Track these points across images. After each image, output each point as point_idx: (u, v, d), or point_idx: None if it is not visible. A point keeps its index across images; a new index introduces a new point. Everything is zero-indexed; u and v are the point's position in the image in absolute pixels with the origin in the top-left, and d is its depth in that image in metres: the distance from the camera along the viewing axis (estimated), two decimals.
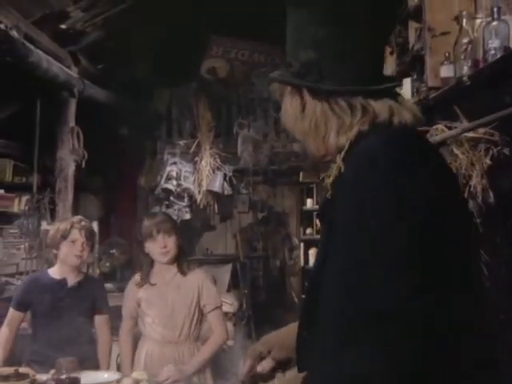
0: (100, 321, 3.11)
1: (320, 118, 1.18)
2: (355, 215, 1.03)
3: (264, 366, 1.39)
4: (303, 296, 1.34)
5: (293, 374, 1.26)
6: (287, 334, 1.35)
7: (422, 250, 0.97)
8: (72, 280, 3.05)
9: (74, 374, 2.07)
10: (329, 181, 1.19)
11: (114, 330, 3.20)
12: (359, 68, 1.18)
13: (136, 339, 3.05)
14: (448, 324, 0.94)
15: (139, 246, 3.13)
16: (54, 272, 3.09)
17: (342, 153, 1.16)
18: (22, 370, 2.20)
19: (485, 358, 1.03)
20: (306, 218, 6.62)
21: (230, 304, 5.32)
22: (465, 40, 2.20)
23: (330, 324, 1.05)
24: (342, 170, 1.14)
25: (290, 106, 1.23)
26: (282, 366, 1.41)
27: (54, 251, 3.08)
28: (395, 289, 0.94)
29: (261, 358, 1.41)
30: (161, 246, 2.91)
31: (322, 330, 1.08)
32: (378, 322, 0.95)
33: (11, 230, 5.39)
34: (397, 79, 1.18)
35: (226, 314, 5.08)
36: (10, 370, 2.19)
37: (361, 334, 0.96)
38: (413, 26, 2.82)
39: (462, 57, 2.20)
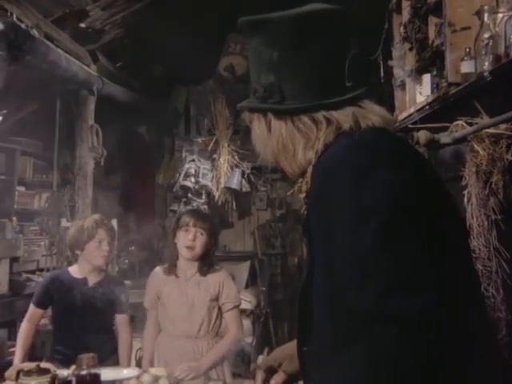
0: (121, 320, 3.12)
1: (286, 136, 1.23)
2: (322, 226, 1.08)
3: (277, 380, 1.43)
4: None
5: None
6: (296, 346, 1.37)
7: (393, 249, 0.97)
8: (93, 279, 3.05)
9: (94, 370, 2.08)
10: (302, 195, 1.23)
11: (134, 327, 3.22)
12: (317, 84, 1.21)
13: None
14: (435, 320, 0.93)
15: (170, 235, 3.13)
16: (75, 271, 3.07)
17: (311, 167, 1.20)
18: (44, 365, 2.22)
19: (471, 356, 1.02)
20: None
21: (248, 301, 5.32)
22: (486, 35, 2.17)
23: (323, 333, 1.11)
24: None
25: (258, 129, 1.29)
26: (292, 378, 1.44)
27: (78, 252, 3.04)
28: (367, 290, 0.96)
29: (272, 371, 1.44)
30: (190, 239, 2.92)
31: (319, 340, 1.14)
32: (359, 323, 0.97)
33: (32, 227, 5.46)
34: (362, 86, 1.21)
35: (244, 311, 5.09)
36: (31, 365, 2.21)
37: (350, 336, 1.00)
38: (433, 21, 2.79)
39: (483, 52, 2.17)
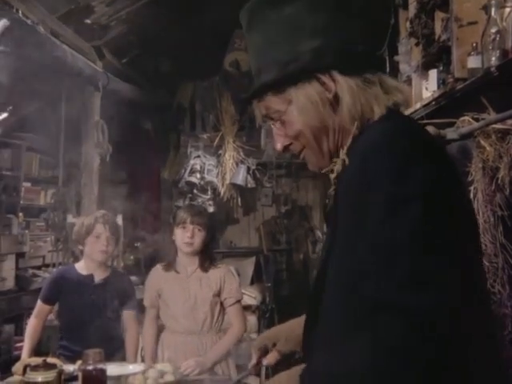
0: (127, 316, 3.13)
1: (357, 92, 1.15)
2: (352, 212, 1.04)
3: (269, 359, 1.41)
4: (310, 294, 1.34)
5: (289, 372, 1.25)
6: (292, 327, 1.37)
7: (420, 241, 0.96)
8: (99, 276, 3.07)
9: (100, 366, 2.08)
10: (333, 175, 1.18)
11: (140, 322, 3.22)
12: (368, 47, 1.20)
13: (159, 331, 3.08)
14: (446, 313, 0.93)
15: (168, 231, 3.14)
16: (81, 267, 3.10)
17: (345, 148, 1.16)
18: (50, 360, 2.22)
19: (484, 355, 1.01)
20: None
21: (253, 297, 5.33)
22: (493, 30, 2.15)
23: (332, 319, 1.09)
24: (347, 162, 1.13)
25: (307, 99, 1.16)
26: (286, 358, 1.42)
27: (80, 247, 3.10)
28: (388, 280, 0.95)
29: (266, 350, 1.43)
30: (188, 236, 2.93)
31: (326, 326, 1.11)
32: (373, 313, 0.96)
33: (38, 223, 5.49)
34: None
35: (249, 306, 5.10)
36: (38, 360, 2.22)
37: (359, 324, 0.98)
38: (439, 16, 2.77)
39: (490, 47, 2.15)
